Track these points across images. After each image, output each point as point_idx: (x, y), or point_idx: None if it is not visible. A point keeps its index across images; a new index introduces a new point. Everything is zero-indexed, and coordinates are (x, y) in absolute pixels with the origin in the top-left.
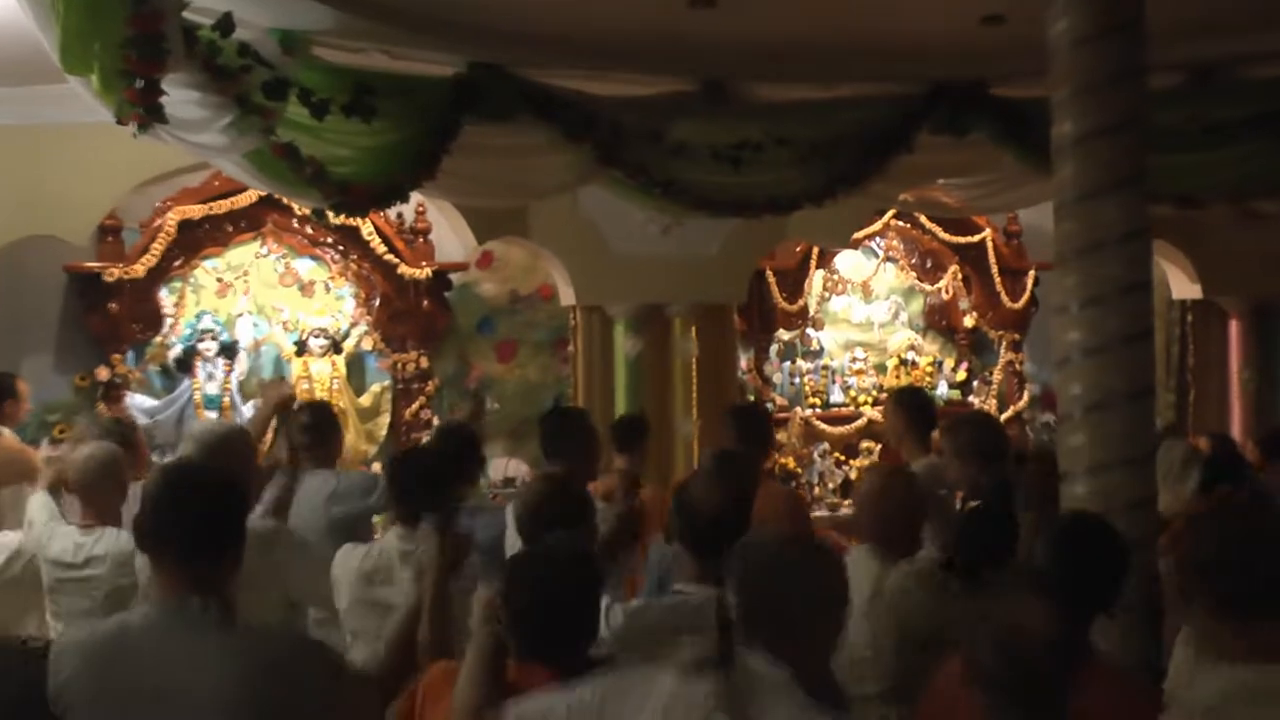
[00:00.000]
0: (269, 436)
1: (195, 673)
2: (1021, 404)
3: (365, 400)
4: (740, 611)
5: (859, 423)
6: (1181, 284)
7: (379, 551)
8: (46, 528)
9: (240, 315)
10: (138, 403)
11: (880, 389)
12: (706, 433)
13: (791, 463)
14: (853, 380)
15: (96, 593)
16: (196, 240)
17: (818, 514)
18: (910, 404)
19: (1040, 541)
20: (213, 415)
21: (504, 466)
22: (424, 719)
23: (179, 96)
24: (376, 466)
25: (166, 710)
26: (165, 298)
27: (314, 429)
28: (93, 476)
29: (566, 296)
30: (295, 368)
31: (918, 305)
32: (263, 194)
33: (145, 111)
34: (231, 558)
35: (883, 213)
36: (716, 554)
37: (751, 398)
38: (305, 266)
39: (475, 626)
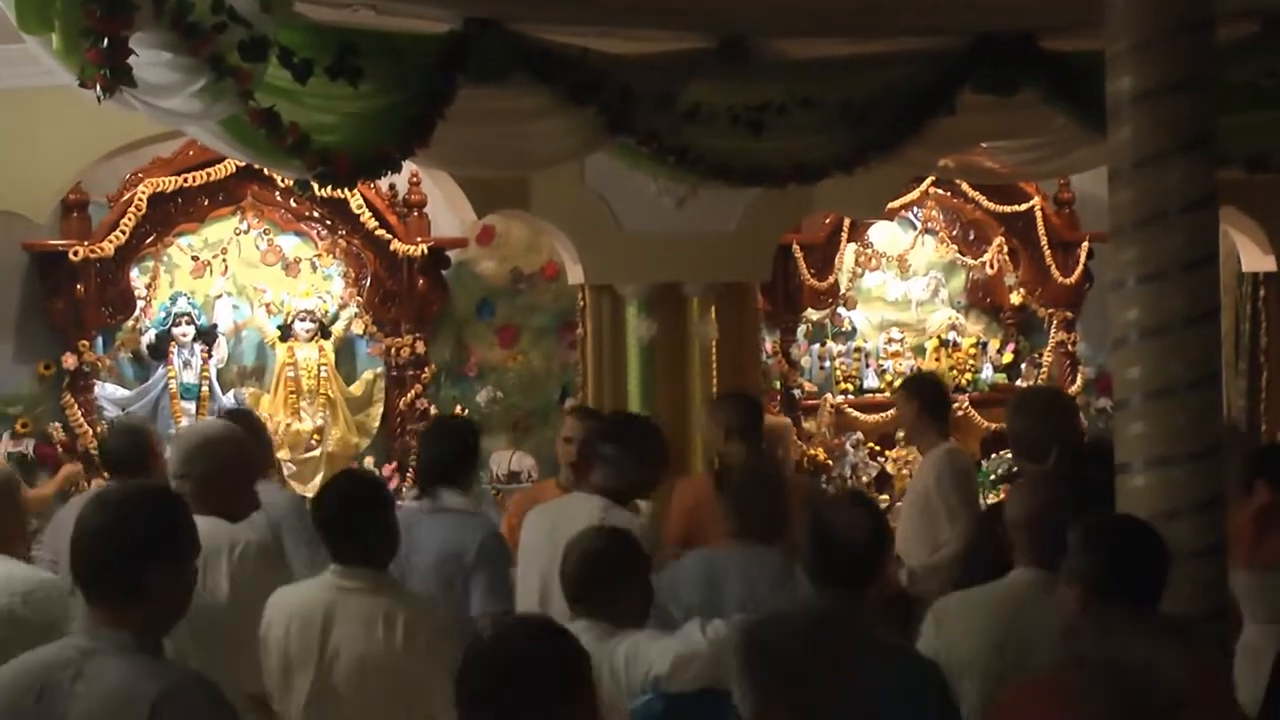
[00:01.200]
0: None
1: (101, 702)
2: (1075, 389)
3: (356, 389)
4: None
5: (895, 410)
6: (1253, 256)
7: (311, 592)
8: None
9: (219, 297)
10: (108, 393)
11: (918, 373)
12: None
13: (821, 455)
14: (888, 364)
15: None
16: (169, 215)
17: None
18: (922, 390)
19: (1080, 545)
20: (189, 406)
21: (507, 460)
22: None
23: (147, 58)
24: (369, 461)
25: None
26: (136, 278)
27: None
28: None
29: (574, 275)
30: (280, 353)
31: (959, 281)
32: (241, 164)
33: (110, 74)
34: (153, 591)
35: (920, 180)
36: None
37: (778, 384)
38: (289, 243)
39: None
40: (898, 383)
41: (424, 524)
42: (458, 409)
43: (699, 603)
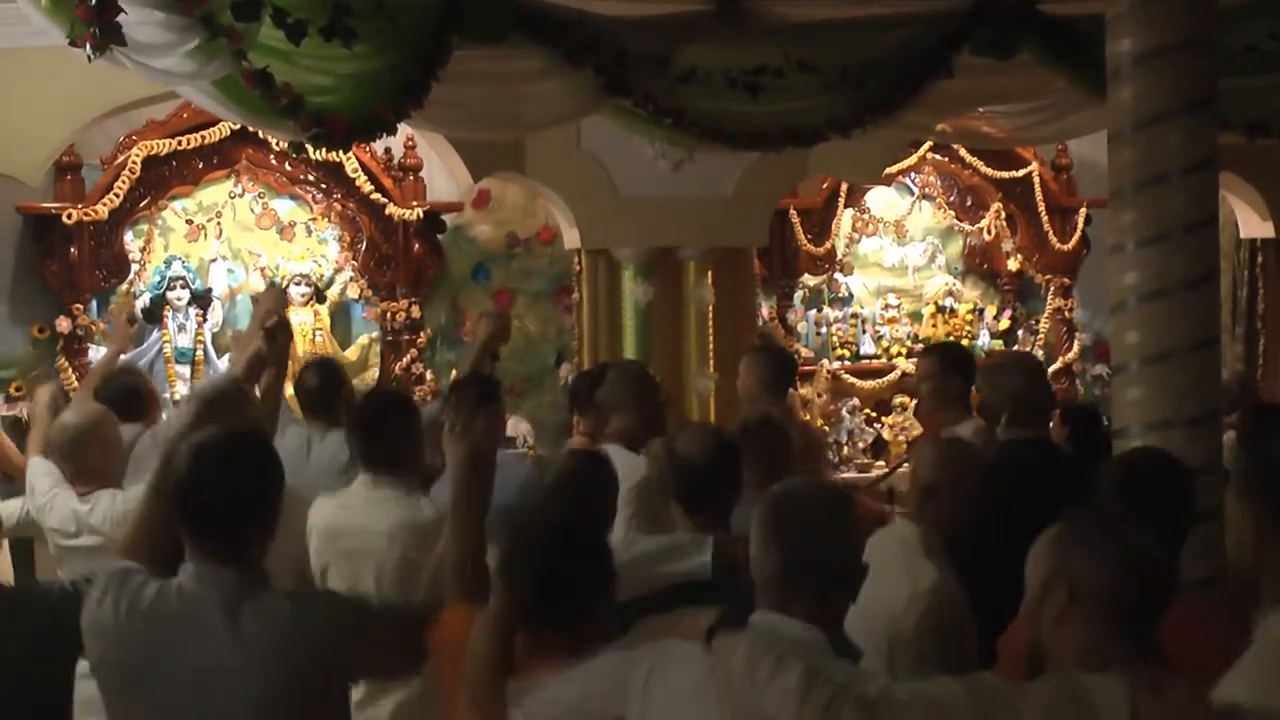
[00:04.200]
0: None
1: (227, 646)
2: (1071, 355)
3: (351, 353)
4: (775, 570)
5: (892, 376)
6: (1250, 221)
7: (347, 501)
8: (49, 495)
9: (213, 260)
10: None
11: (915, 339)
12: (724, 388)
13: (818, 420)
14: (885, 330)
15: (95, 560)
16: (163, 178)
17: (846, 475)
18: (959, 362)
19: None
20: (184, 370)
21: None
22: (443, 685)
23: (139, 17)
24: None
25: (202, 683)
26: (130, 242)
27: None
28: (72, 446)
29: (570, 239)
30: None
31: (956, 247)
32: (236, 127)
33: (100, 32)
34: (263, 532)
35: (918, 145)
36: (712, 505)
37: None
38: (284, 207)
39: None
40: (894, 349)
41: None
42: (453, 373)
43: None
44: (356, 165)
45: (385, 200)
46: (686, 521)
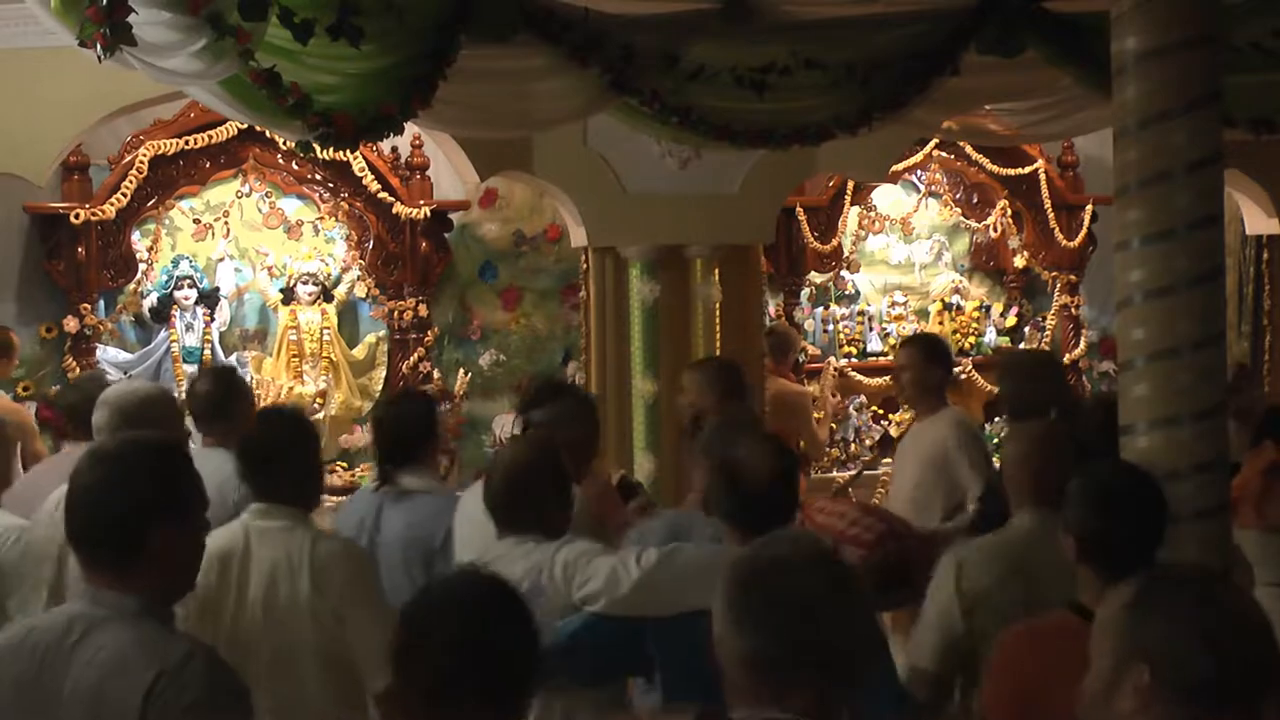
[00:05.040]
0: None
1: (99, 673)
2: (1078, 352)
3: (359, 352)
4: (745, 656)
5: (901, 367)
6: (1256, 218)
7: (229, 532)
8: None
9: (220, 260)
10: (110, 356)
11: (930, 334)
12: None
13: (828, 420)
14: (891, 327)
15: None
16: (171, 178)
17: (853, 473)
18: (941, 353)
19: (1075, 496)
20: (191, 369)
21: (510, 423)
22: None
23: (146, 17)
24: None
25: (68, 713)
26: (138, 241)
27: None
28: None
29: (576, 238)
30: (282, 317)
31: (963, 244)
32: (243, 126)
33: (110, 33)
34: (155, 554)
35: (924, 143)
36: (766, 530)
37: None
38: (291, 206)
39: None
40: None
41: (388, 508)
42: (460, 372)
43: None
44: (364, 164)
45: (392, 199)
46: (732, 539)
